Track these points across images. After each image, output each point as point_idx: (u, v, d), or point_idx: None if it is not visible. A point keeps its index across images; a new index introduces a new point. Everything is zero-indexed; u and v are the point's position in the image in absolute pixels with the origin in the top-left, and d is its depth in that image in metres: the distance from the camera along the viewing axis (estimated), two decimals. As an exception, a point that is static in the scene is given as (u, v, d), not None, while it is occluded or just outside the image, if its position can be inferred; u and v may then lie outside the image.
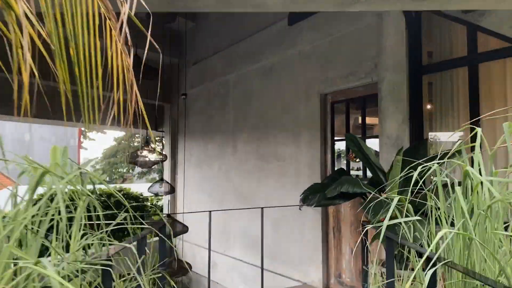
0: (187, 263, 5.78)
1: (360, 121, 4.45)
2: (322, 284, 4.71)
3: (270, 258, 5.44)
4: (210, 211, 4.51)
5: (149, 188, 6.02)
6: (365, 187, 3.02)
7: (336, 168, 4.71)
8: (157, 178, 8.39)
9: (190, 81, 7.67)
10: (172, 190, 6.08)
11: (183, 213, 6.60)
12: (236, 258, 6.25)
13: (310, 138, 4.92)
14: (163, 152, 8.47)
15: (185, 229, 5.75)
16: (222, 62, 6.77)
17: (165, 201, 8.54)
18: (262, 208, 4.71)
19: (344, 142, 4.79)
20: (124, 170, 26.83)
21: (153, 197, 9.95)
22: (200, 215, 7.38)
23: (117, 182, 26.93)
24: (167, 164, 8.33)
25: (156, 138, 8.44)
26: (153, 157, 5.77)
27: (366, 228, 2.23)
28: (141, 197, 9.29)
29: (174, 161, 8.19)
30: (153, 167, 10.83)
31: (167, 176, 8.33)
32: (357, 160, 4.42)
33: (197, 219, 7.27)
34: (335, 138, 4.76)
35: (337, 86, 4.58)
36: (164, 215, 7.54)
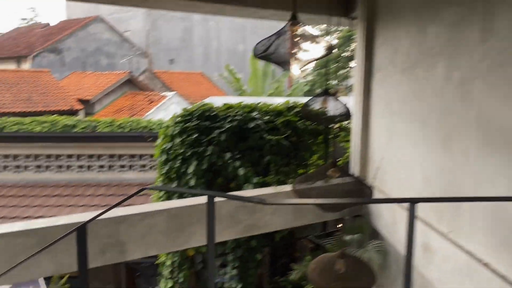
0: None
1: None
2: None
3: None
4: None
5: (303, 107, 3.31)
6: None
7: None
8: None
9: None
10: (346, 114, 3.21)
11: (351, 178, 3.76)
12: (475, 257, 3.10)
13: None
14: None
15: (367, 191, 2.90)
16: None
17: (355, 126, 5.67)
18: None
19: None
20: (335, 82, 24.33)
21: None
22: (408, 151, 4.32)
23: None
24: (357, 71, 5.30)
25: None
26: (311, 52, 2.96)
27: None
28: (323, 116, 6.62)
29: (369, 64, 5.09)
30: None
31: (358, 88, 5.36)
32: None
33: (403, 159, 4.28)
34: None
35: None
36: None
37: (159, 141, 5.54)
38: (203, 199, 4.49)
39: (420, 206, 3.86)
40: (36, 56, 20.90)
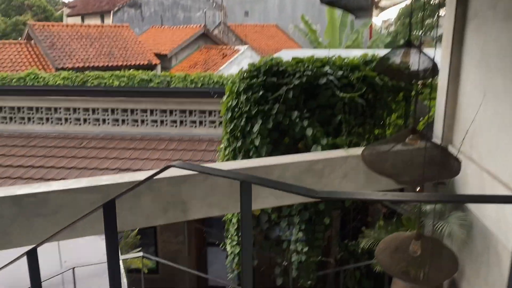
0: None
1: None
2: None
3: None
4: None
5: (380, 61, 2.87)
6: None
7: None
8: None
9: None
10: (432, 69, 2.72)
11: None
12: None
13: None
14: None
15: (453, 164, 2.45)
16: None
17: (441, 82, 5.00)
18: None
19: None
20: (419, 33, 22.41)
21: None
22: (507, 114, 3.69)
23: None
24: (448, 19, 4.57)
25: None
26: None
27: None
28: (405, 71, 5.95)
29: (463, 10, 4.35)
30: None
31: (447, 39, 4.66)
32: None
33: (499, 122, 3.68)
34: None
35: None
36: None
37: (225, 98, 5.34)
38: (267, 161, 4.28)
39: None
40: (117, 11, 21.58)
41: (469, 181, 4.26)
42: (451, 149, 4.71)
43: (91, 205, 3.55)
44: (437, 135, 4.95)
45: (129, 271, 6.48)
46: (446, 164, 2.37)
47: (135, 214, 3.71)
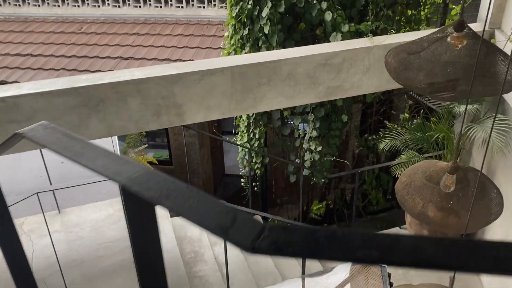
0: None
1: None
2: None
3: None
4: None
5: None
6: None
7: None
8: None
9: None
10: None
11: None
12: None
13: None
14: None
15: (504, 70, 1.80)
16: None
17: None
18: None
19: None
20: None
21: None
22: None
23: None
24: None
25: None
26: None
27: None
28: None
29: None
30: None
31: None
32: None
33: None
34: None
35: None
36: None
37: (229, -27, 4.48)
38: (274, 55, 3.62)
39: None
40: None
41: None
42: (498, 35, 3.92)
43: (70, 110, 3.12)
44: (482, 17, 4.10)
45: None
46: (500, 74, 1.73)
47: (122, 119, 3.28)
